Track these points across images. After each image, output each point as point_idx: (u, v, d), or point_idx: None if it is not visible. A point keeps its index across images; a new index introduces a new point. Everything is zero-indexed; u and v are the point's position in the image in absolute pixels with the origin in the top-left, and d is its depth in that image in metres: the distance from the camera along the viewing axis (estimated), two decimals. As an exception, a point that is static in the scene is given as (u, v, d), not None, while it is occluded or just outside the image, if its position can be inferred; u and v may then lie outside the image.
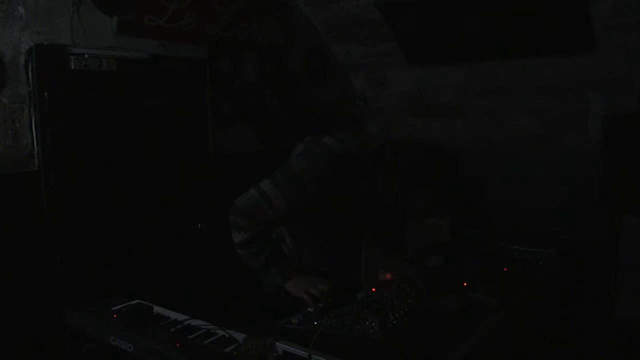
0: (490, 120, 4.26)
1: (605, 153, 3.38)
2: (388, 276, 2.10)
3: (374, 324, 1.42)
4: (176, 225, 3.40)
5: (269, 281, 1.99)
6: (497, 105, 4.19)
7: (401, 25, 4.11)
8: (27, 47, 2.74)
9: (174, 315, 1.84)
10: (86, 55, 2.91)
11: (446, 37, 4.01)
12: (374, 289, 1.84)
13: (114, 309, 1.83)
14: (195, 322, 1.76)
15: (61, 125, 2.86)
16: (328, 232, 2.13)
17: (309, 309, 1.75)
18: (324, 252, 2.15)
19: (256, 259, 1.97)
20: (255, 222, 1.95)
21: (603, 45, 3.50)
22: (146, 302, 1.92)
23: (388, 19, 4.06)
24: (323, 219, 2.07)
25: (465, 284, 1.88)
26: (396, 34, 4.19)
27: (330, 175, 1.94)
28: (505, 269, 2.11)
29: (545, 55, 3.79)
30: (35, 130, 2.79)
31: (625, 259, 3.12)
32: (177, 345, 1.54)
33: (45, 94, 2.78)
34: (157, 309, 1.87)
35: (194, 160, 3.53)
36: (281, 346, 1.35)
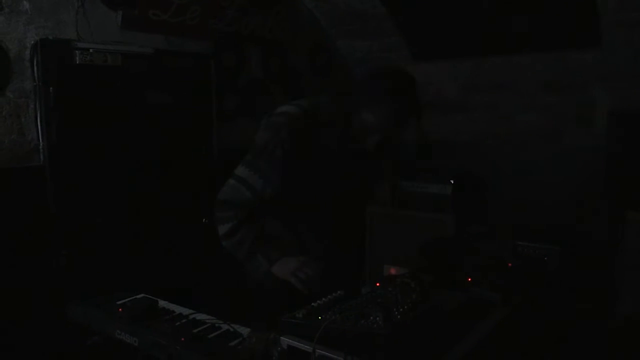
0: (495, 115, 4.24)
1: (611, 149, 3.37)
2: (393, 271, 2.10)
3: (378, 319, 1.42)
4: (181, 220, 3.40)
5: (256, 269, 1.95)
6: (502, 101, 4.18)
7: (406, 20, 4.09)
8: (33, 42, 2.75)
9: (178, 309, 1.84)
10: (91, 50, 2.92)
11: (451, 32, 4.00)
12: (378, 284, 1.84)
13: (119, 303, 1.84)
14: (199, 316, 1.76)
15: (66, 120, 2.87)
16: (316, 213, 2.05)
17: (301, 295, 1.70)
18: (318, 238, 2.09)
19: (240, 248, 1.93)
20: (237, 209, 1.92)
21: (609, 40, 3.48)
22: (151, 297, 1.93)
23: (392, 13, 4.05)
24: (306, 197, 2.00)
25: (469, 280, 1.88)
26: (401, 28, 4.18)
27: (294, 139, 1.88)
28: (509, 264, 2.11)
29: (551, 50, 3.77)
30: (41, 124, 2.80)
31: (629, 255, 3.11)
32: (182, 339, 1.55)
33: (51, 88, 2.78)
34: (162, 303, 1.88)
35: (198, 155, 3.53)
36: (285, 340, 1.36)
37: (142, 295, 1.96)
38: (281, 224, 2.07)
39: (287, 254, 1.95)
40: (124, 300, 1.87)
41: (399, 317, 1.48)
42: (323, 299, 1.69)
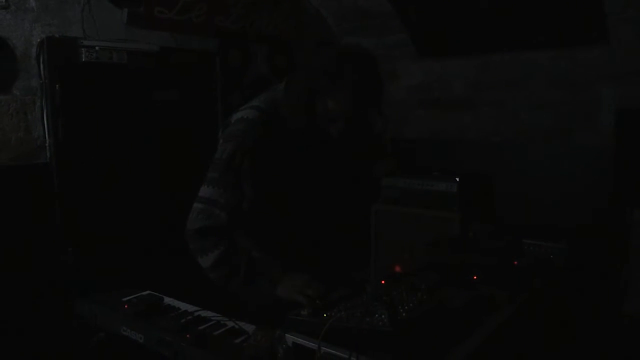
0: (502, 113, 4.22)
1: (618, 147, 3.34)
2: (397, 268, 2.09)
3: (383, 316, 1.41)
4: (186, 216, 3.40)
5: (256, 292, 1.76)
6: (509, 98, 4.16)
7: (412, 17, 4.08)
8: (39, 40, 2.76)
9: (184, 306, 1.85)
10: (97, 48, 2.92)
11: (457, 29, 3.98)
12: (383, 282, 1.84)
13: (124, 299, 1.84)
14: (205, 313, 1.76)
15: (72, 117, 2.88)
16: (302, 215, 1.89)
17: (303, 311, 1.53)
18: (306, 242, 1.91)
19: (234, 279, 1.73)
20: (217, 235, 1.73)
21: (616, 37, 3.46)
22: (156, 293, 1.93)
23: (399, 10, 4.04)
24: (288, 199, 1.83)
25: (475, 278, 1.87)
26: (407, 26, 4.16)
27: (260, 145, 1.74)
28: (515, 262, 2.10)
29: (558, 47, 3.75)
30: (47, 122, 2.81)
31: (636, 253, 3.09)
32: (187, 336, 1.55)
33: (57, 86, 2.80)
34: (167, 300, 1.88)
35: (203, 153, 3.53)
36: (290, 338, 1.36)
37: (147, 292, 1.96)
38: (261, 238, 1.88)
39: (286, 269, 1.77)
40: (129, 297, 1.87)
41: (404, 314, 1.48)
42: (328, 296, 1.69)
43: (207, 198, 1.77)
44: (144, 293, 1.95)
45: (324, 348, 1.28)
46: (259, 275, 1.74)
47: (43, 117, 2.81)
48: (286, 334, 1.37)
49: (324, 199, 1.99)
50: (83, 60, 2.88)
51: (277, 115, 1.79)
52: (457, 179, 3.77)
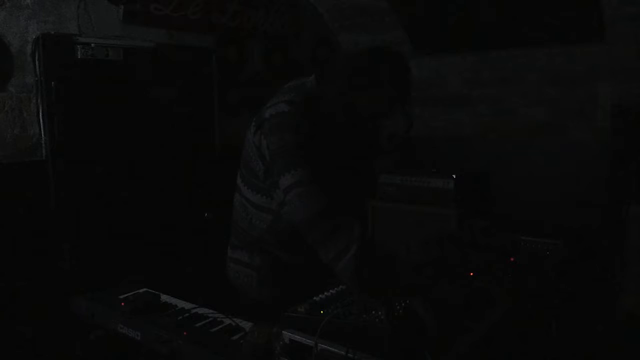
0: (498, 110, 4.23)
1: (614, 144, 3.35)
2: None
3: (380, 313, 1.42)
4: (182, 214, 3.41)
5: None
6: (505, 95, 4.16)
7: (408, 14, 4.08)
8: (34, 37, 2.75)
9: (181, 303, 1.84)
10: (93, 45, 2.92)
11: (453, 26, 3.98)
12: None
13: (121, 297, 1.84)
14: (202, 310, 1.76)
15: (68, 114, 2.87)
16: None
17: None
18: None
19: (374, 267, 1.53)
20: (339, 214, 1.57)
21: (613, 34, 3.46)
22: (153, 291, 1.93)
23: (395, 7, 4.04)
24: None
25: (472, 274, 1.88)
26: (403, 22, 4.16)
27: (311, 131, 1.68)
28: (512, 259, 2.11)
29: (555, 44, 3.76)
30: (43, 119, 2.80)
31: (632, 249, 3.11)
32: (184, 333, 1.55)
33: (52, 83, 2.79)
34: (164, 298, 1.88)
35: (200, 150, 3.53)
36: (287, 335, 1.36)
37: (144, 289, 1.96)
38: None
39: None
40: (126, 295, 1.87)
41: (401, 311, 1.48)
42: (325, 293, 1.69)
43: (299, 180, 1.60)
44: (141, 290, 1.94)
45: (321, 345, 1.28)
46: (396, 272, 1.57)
47: (39, 115, 2.80)
48: (283, 331, 1.37)
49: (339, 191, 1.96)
50: (79, 57, 2.87)
51: (311, 108, 1.75)
52: (454, 176, 3.77)
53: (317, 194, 1.59)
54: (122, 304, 1.76)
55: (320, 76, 1.91)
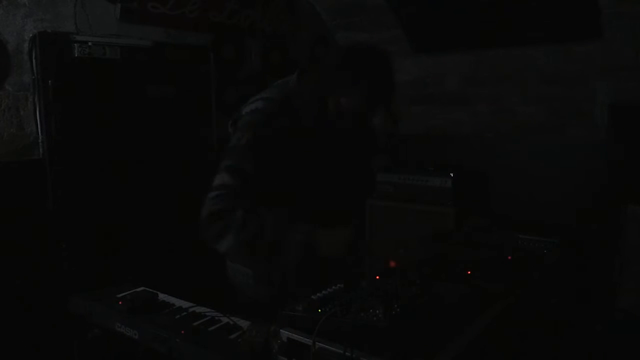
0: (496, 108, 4.23)
1: (612, 142, 3.36)
2: (392, 264, 2.09)
3: (378, 311, 1.41)
4: (180, 212, 3.40)
5: (289, 261, 1.68)
6: (503, 94, 4.16)
7: (406, 13, 4.08)
8: (31, 35, 2.74)
9: (178, 302, 1.85)
10: (90, 43, 2.91)
11: (451, 24, 3.98)
12: (378, 277, 1.84)
13: (119, 296, 1.84)
14: (199, 309, 1.76)
15: (65, 113, 2.86)
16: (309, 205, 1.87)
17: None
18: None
19: (259, 244, 1.65)
20: (231, 214, 1.68)
21: (611, 32, 3.47)
22: (151, 290, 1.93)
23: (393, 6, 4.04)
24: (298, 188, 1.84)
25: (469, 272, 1.88)
26: (401, 21, 4.16)
27: (276, 134, 1.75)
28: (509, 257, 2.11)
29: (552, 42, 3.76)
30: (40, 118, 2.79)
31: (630, 249, 3.11)
32: (182, 332, 1.55)
33: (49, 81, 2.78)
34: (162, 296, 1.88)
35: (198, 149, 3.53)
36: (285, 333, 1.36)
37: (142, 288, 1.96)
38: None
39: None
40: (124, 294, 1.87)
41: (398, 309, 1.48)
42: (323, 291, 1.69)
43: (224, 185, 1.73)
44: (139, 289, 1.94)
45: (318, 343, 1.28)
46: (284, 235, 1.66)
47: (36, 113, 2.79)
48: (281, 330, 1.37)
49: (325, 189, 1.98)
50: (76, 55, 2.86)
51: (288, 106, 1.81)
52: (452, 175, 3.79)
53: (221, 199, 1.70)
54: (120, 303, 1.76)
55: (301, 74, 1.94)
